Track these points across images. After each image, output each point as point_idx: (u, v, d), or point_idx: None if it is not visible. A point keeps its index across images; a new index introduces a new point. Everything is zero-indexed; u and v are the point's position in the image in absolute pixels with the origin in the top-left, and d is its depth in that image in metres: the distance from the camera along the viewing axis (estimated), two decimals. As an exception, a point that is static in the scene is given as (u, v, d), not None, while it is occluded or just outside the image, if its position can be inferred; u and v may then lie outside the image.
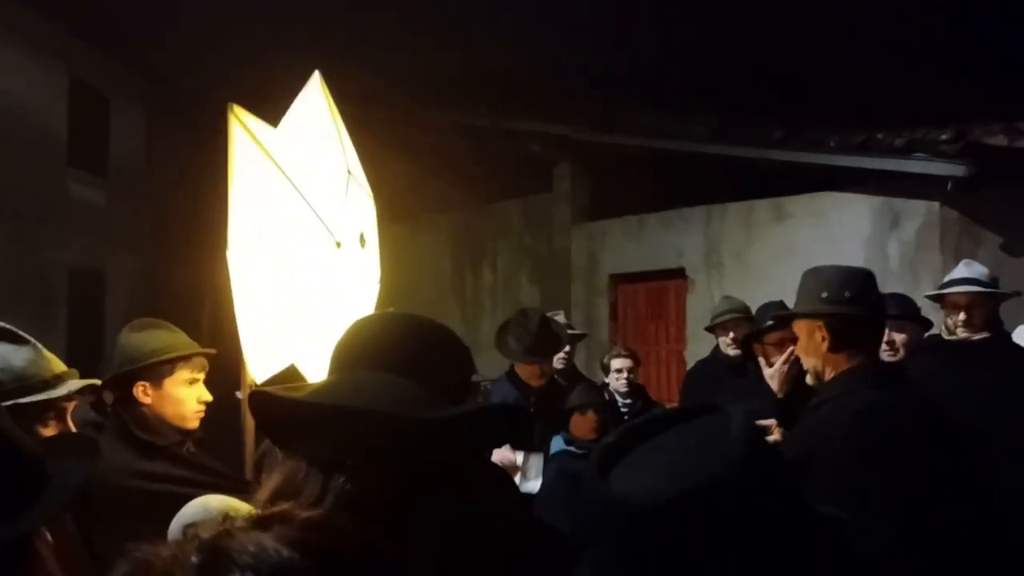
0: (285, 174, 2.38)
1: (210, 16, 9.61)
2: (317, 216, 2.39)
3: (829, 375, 2.35)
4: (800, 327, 2.44)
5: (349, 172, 2.48)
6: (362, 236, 2.53)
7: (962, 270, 3.65)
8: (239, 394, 2.56)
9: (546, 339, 4.43)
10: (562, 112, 9.09)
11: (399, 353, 1.15)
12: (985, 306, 3.51)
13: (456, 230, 10.61)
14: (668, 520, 0.92)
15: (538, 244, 9.68)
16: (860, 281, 2.39)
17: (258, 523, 0.73)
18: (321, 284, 2.43)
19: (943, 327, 3.65)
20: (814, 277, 2.45)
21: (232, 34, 9.51)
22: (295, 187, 2.38)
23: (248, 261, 2.38)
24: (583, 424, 4.09)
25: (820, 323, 2.36)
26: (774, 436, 2.64)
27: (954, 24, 9.00)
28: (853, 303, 2.33)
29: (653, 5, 9.72)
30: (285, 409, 1.15)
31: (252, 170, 2.38)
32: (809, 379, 2.43)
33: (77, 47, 11.30)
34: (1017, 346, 3.70)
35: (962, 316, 3.49)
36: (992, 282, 3.59)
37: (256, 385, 2.41)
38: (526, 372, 4.41)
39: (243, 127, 2.38)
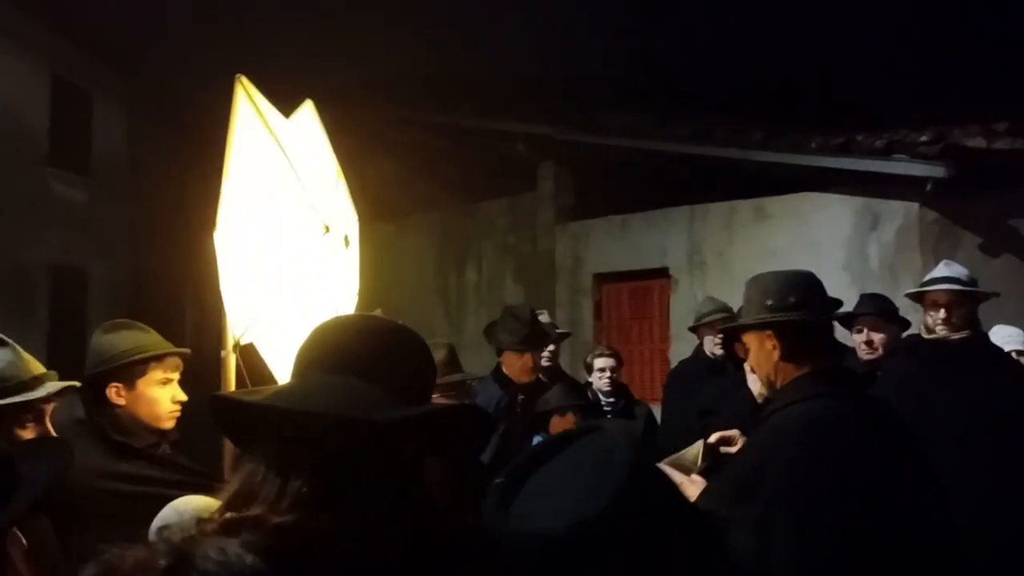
0: (284, 151, 2.37)
1: (193, 15, 9.57)
2: (308, 199, 2.39)
3: (781, 383, 2.29)
4: (749, 338, 2.38)
5: (339, 175, 2.48)
6: (346, 238, 2.53)
7: (942, 269, 3.69)
8: (223, 353, 2.50)
9: (538, 332, 4.51)
10: (546, 113, 9.10)
11: (359, 356, 1.16)
12: (965, 305, 3.54)
13: (440, 230, 10.61)
14: (559, 557, 1.00)
15: (522, 244, 9.69)
16: (803, 285, 2.33)
17: (227, 528, 0.73)
18: (307, 266, 2.41)
19: (922, 326, 3.69)
20: (756, 286, 2.39)
21: (216, 34, 9.46)
22: (292, 166, 2.36)
23: (238, 232, 2.34)
24: (562, 426, 3.96)
25: (769, 332, 2.30)
26: (736, 446, 2.56)
27: (933, 29, 9.08)
28: (799, 308, 2.27)
29: (637, 7, 9.76)
30: (243, 412, 1.16)
31: (252, 142, 2.36)
32: (762, 389, 2.38)
33: (59, 45, 11.21)
34: (994, 346, 3.75)
35: (942, 314, 3.52)
36: (972, 282, 3.63)
37: (238, 342, 2.38)
38: (517, 367, 4.36)
39: (249, 99, 2.37)
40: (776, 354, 2.29)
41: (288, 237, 2.40)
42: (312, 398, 1.11)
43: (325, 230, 2.42)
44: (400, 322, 1.27)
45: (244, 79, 2.38)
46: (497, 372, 4.46)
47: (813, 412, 2.16)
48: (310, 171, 2.47)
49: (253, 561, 0.66)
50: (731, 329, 2.75)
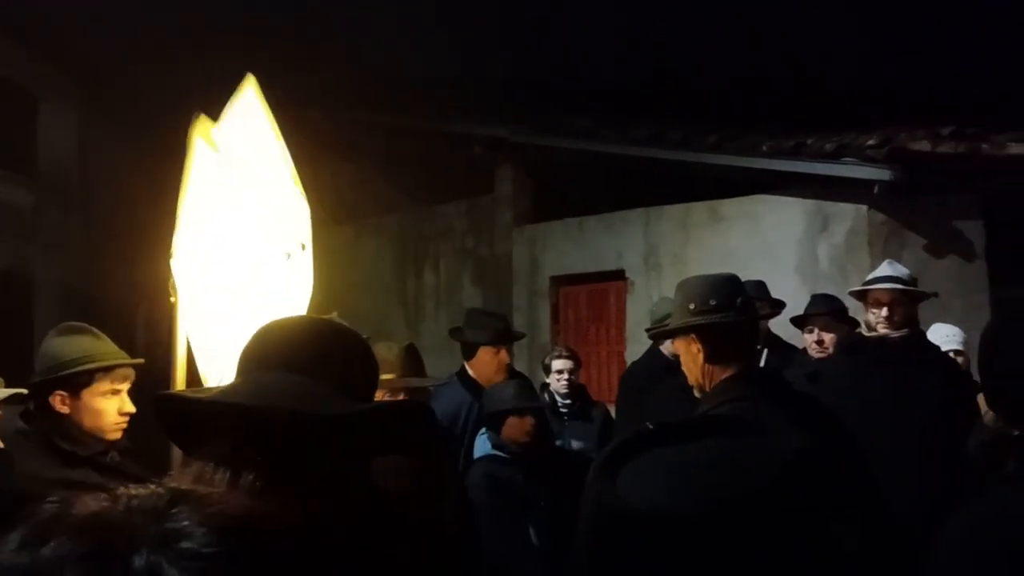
0: (241, 186, 2.35)
1: (142, 16, 9.40)
2: (269, 227, 2.36)
3: (710, 385, 2.34)
4: (679, 344, 2.44)
5: (296, 182, 2.44)
6: (303, 246, 2.50)
7: (885, 268, 3.78)
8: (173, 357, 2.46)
9: (511, 328, 4.54)
10: (503, 116, 9.12)
11: (304, 354, 1.17)
12: (906, 304, 3.64)
13: (398, 233, 10.56)
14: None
15: (480, 247, 9.70)
16: (725, 289, 2.39)
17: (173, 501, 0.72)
18: (267, 291, 2.39)
19: (864, 324, 3.78)
20: (681, 291, 2.46)
21: (167, 35, 9.31)
22: (250, 199, 2.35)
23: (197, 269, 2.34)
24: (519, 427, 3.80)
25: (693, 336, 2.36)
26: None
27: (880, 36, 9.31)
28: (719, 311, 2.33)
29: (593, 11, 9.83)
30: (192, 410, 1.15)
31: (208, 179, 2.34)
32: (696, 392, 2.43)
33: (3, 45, 10.93)
34: (932, 344, 3.85)
35: (884, 312, 3.60)
36: (912, 281, 3.73)
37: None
38: (492, 365, 4.28)
39: (206, 137, 2.35)
40: (701, 356, 2.35)
41: (250, 270, 2.37)
42: (262, 394, 1.11)
43: (287, 256, 2.39)
44: (344, 324, 1.28)
45: (203, 117, 2.35)
46: (463, 375, 4.36)
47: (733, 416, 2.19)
48: (266, 184, 2.43)
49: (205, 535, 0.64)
50: (657, 334, 2.81)
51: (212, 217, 2.38)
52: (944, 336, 4.44)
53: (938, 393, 3.41)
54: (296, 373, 1.16)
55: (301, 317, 1.42)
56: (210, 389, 1.25)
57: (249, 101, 2.48)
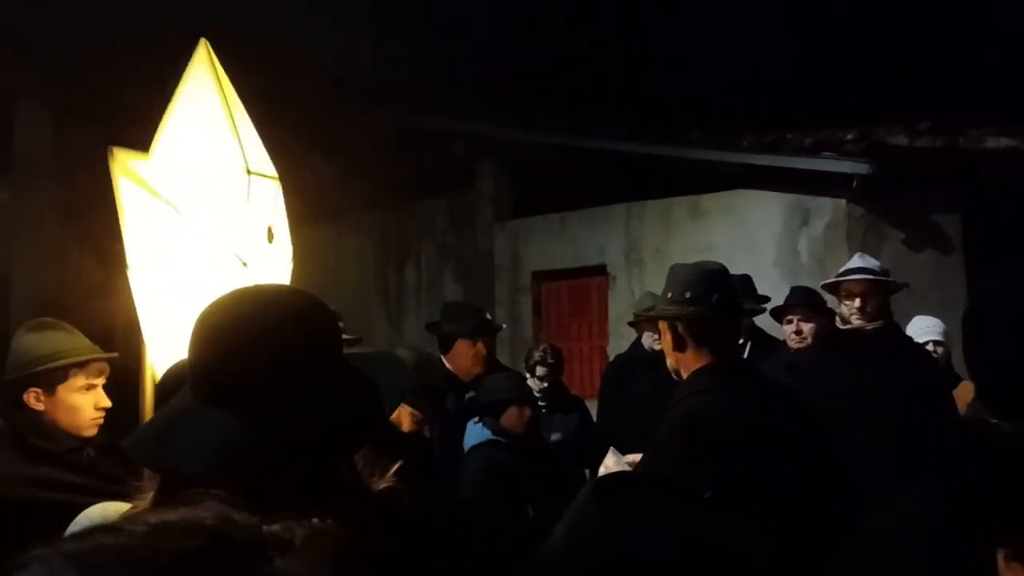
0: (176, 210, 2.29)
1: (115, 12, 9.30)
2: (219, 243, 2.29)
3: (685, 374, 2.39)
4: (661, 326, 2.51)
5: (248, 170, 2.31)
6: (270, 230, 2.40)
7: (857, 261, 3.84)
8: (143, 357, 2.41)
9: (488, 320, 4.59)
10: (484, 111, 9.10)
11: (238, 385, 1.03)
12: (878, 295, 3.67)
13: (379, 230, 10.52)
14: None
15: (462, 243, 9.68)
16: (703, 282, 2.40)
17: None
18: (225, 259, 2.32)
19: (837, 317, 3.81)
20: (670, 276, 2.50)
21: (143, 35, 9.21)
22: (188, 221, 2.28)
23: (151, 289, 2.30)
24: (518, 417, 3.90)
25: (665, 323, 2.42)
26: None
27: (858, 32, 9.37)
28: (692, 303, 2.35)
29: (572, 7, 9.83)
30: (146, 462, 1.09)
31: (141, 211, 2.30)
32: (675, 376, 2.50)
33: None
34: (907, 336, 3.88)
35: (857, 303, 3.63)
36: (884, 273, 3.78)
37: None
38: (469, 358, 4.32)
39: (124, 171, 2.31)
40: (671, 344, 2.40)
41: (205, 286, 2.31)
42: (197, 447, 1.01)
43: (243, 266, 2.32)
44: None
45: (116, 150, 2.33)
46: (441, 369, 4.30)
47: (694, 406, 2.27)
48: (212, 188, 2.34)
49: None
50: (640, 317, 2.86)
51: (160, 246, 2.32)
52: (925, 327, 4.48)
53: (912, 384, 3.44)
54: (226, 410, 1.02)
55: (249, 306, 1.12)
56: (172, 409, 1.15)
57: (200, 78, 2.38)
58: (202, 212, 2.31)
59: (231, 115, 2.33)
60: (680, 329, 2.37)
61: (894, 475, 2.98)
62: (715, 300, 2.37)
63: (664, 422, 2.30)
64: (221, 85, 2.35)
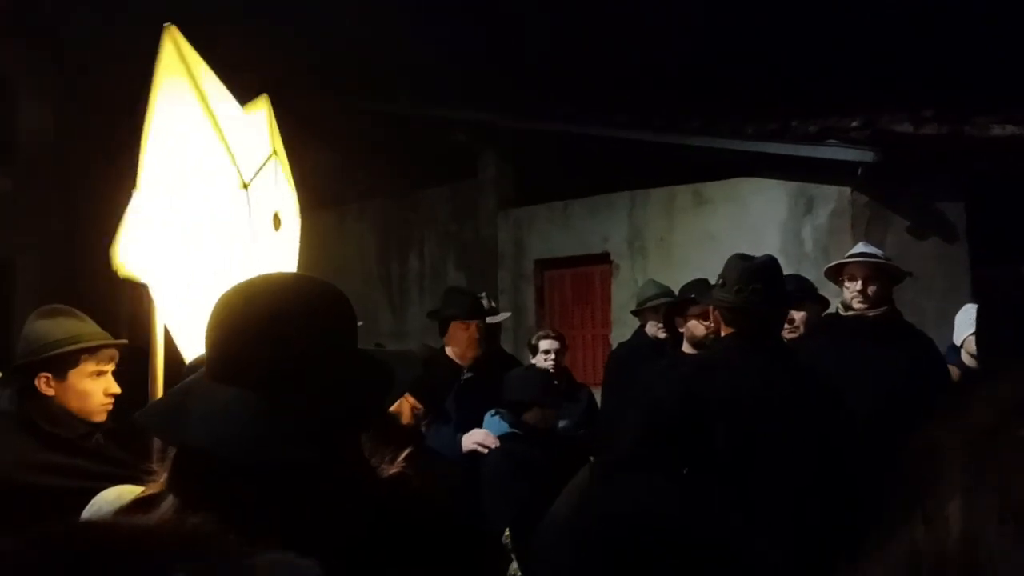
0: (210, 110, 2.19)
1: (121, 4, 9.28)
2: (229, 155, 2.20)
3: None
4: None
5: (244, 184, 2.23)
6: (276, 216, 2.38)
7: (860, 247, 3.85)
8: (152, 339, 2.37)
9: (481, 303, 4.67)
10: (486, 100, 9.08)
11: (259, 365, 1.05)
12: (880, 280, 3.67)
13: (382, 218, 10.53)
14: None
15: (464, 231, 9.68)
16: (747, 275, 2.85)
17: None
18: (235, 263, 2.28)
19: (839, 304, 3.82)
20: (726, 264, 2.97)
21: (144, 22, 9.19)
22: (216, 125, 2.18)
23: (157, 209, 2.21)
24: (541, 417, 3.94)
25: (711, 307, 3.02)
26: None
27: (863, 18, 9.33)
28: (740, 294, 2.83)
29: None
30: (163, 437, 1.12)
31: (175, 97, 2.18)
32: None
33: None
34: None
35: (858, 286, 3.63)
36: (887, 260, 3.79)
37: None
38: (464, 339, 4.38)
39: (177, 50, 2.19)
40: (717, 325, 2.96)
41: (206, 201, 2.23)
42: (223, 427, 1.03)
43: (244, 186, 2.21)
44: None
45: (173, 28, 2.19)
46: (443, 355, 4.43)
47: (703, 359, 2.76)
48: (239, 141, 2.27)
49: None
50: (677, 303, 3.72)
51: (179, 144, 2.21)
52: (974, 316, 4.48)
53: (915, 371, 3.44)
54: (248, 389, 1.04)
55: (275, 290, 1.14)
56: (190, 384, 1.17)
57: (171, 83, 2.28)
58: (204, 240, 2.24)
59: (214, 118, 2.23)
60: (723, 314, 2.89)
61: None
62: (762, 292, 2.82)
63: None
64: (195, 81, 2.24)
